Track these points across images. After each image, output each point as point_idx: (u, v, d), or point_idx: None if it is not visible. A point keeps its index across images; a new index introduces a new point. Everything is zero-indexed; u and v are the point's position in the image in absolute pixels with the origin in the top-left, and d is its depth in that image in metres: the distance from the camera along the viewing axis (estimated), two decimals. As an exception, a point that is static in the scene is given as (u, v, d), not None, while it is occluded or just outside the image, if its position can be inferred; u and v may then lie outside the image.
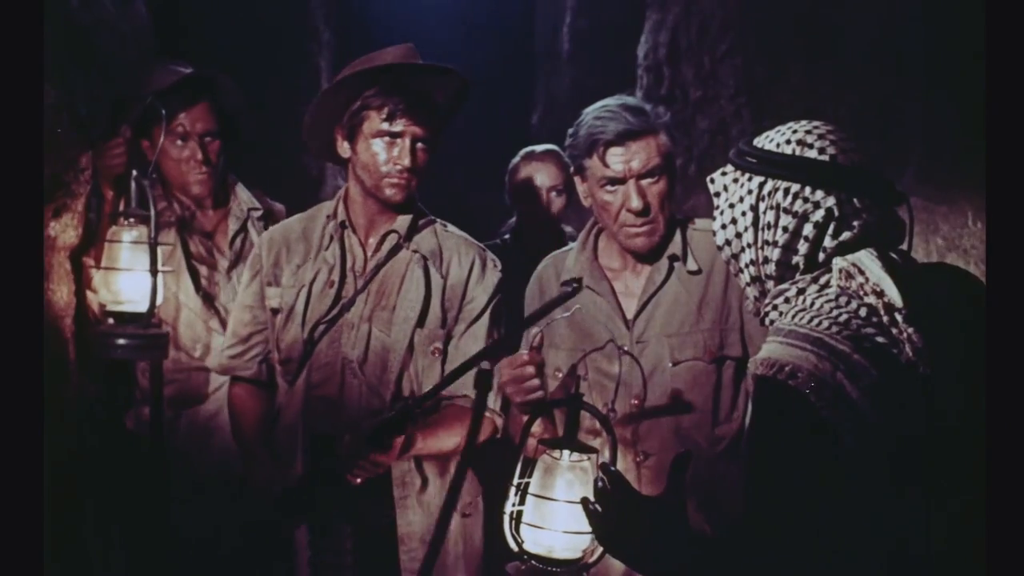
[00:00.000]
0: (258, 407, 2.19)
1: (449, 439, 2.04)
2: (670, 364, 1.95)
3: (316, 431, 2.07)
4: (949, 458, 1.23)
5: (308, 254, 2.14)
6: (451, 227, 2.20)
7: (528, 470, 1.60)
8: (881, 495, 1.21)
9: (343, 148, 2.10)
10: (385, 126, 2.02)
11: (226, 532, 2.35)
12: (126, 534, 2.40)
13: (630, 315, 2.01)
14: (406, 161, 2.02)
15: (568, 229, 3.14)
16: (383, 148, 2.03)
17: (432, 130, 2.06)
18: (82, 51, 2.27)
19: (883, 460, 1.20)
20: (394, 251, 2.11)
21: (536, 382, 1.76)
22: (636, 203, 1.92)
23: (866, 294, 1.27)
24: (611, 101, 1.96)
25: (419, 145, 2.05)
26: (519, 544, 1.58)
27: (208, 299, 2.46)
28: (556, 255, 2.20)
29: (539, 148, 3.11)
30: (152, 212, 2.08)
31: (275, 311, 2.13)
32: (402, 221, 2.13)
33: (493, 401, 2.07)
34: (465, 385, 2.07)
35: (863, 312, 1.25)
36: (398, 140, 2.03)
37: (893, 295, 1.25)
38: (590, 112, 1.97)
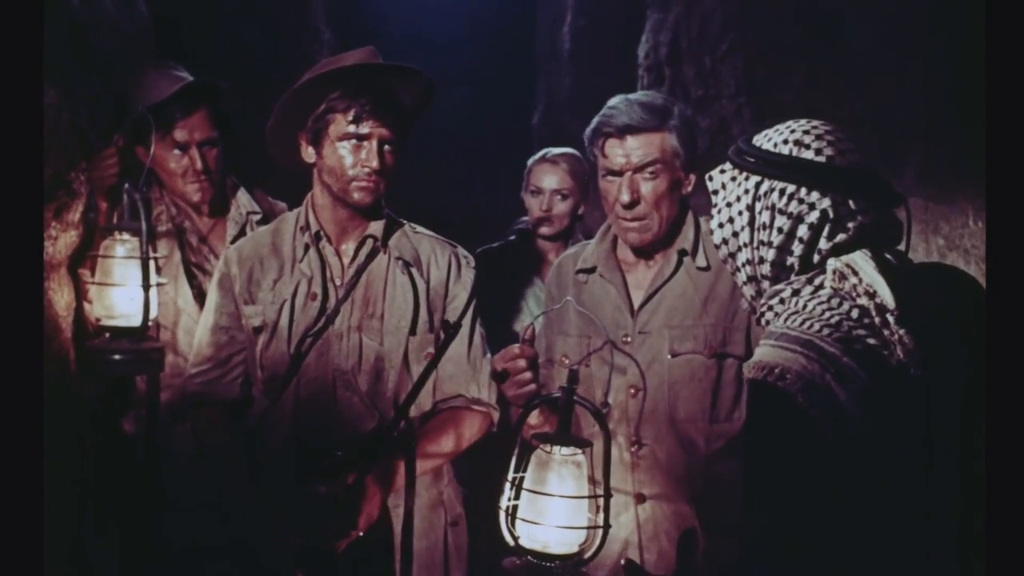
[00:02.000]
0: (230, 430, 2.11)
1: (446, 443, 2.03)
2: (668, 355, 1.98)
3: (308, 446, 2.03)
4: (946, 458, 1.23)
5: (283, 268, 2.09)
6: (420, 228, 2.18)
7: (523, 464, 1.60)
8: (875, 495, 1.21)
9: (308, 153, 2.06)
10: (351, 128, 1.98)
11: (221, 539, 2.33)
12: (125, 537, 2.40)
13: (636, 305, 2.04)
14: (374, 163, 1.99)
15: (579, 237, 3.15)
16: (349, 151, 2.00)
17: (399, 132, 2.03)
18: (82, 51, 2.27)
19: (874, 462, 1.20)
20: (372, 256, 2.08)
21: (528, 375, 1.76)
22: (625, 196, 1.95)
23: (859, 295, 1.27)
24: (634, 95, 1.99)
25: (386, 147, 2.01)
26: (515, 539, 1.58)
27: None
28: (579, 245, 2.25)
29: (556, 150, 3.13)
30: (143, 225, 2.05)
31: (258, 330, 2.08)
32: (376, 225, 2.10)
33: (488, 395, 2.07)
34: (459, 386, 2.08)
35: (855, 314, 1.25)
36: (365, 142, 1.99)
37: (886, 296, 1.25)
38: (610, 103, 2.00)
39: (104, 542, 2.34)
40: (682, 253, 2.03)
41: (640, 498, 2.00)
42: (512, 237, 3.25)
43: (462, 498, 2.18)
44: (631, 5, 4.94)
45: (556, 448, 1.57)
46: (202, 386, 2.14)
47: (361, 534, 1.87)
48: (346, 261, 2.10)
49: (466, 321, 2.10)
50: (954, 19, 2.22)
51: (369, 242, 2.10)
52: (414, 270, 2.09)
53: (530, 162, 3.16)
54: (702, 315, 1.98)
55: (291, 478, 2.01)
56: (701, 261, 2.02)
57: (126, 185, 2.11)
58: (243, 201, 2.57)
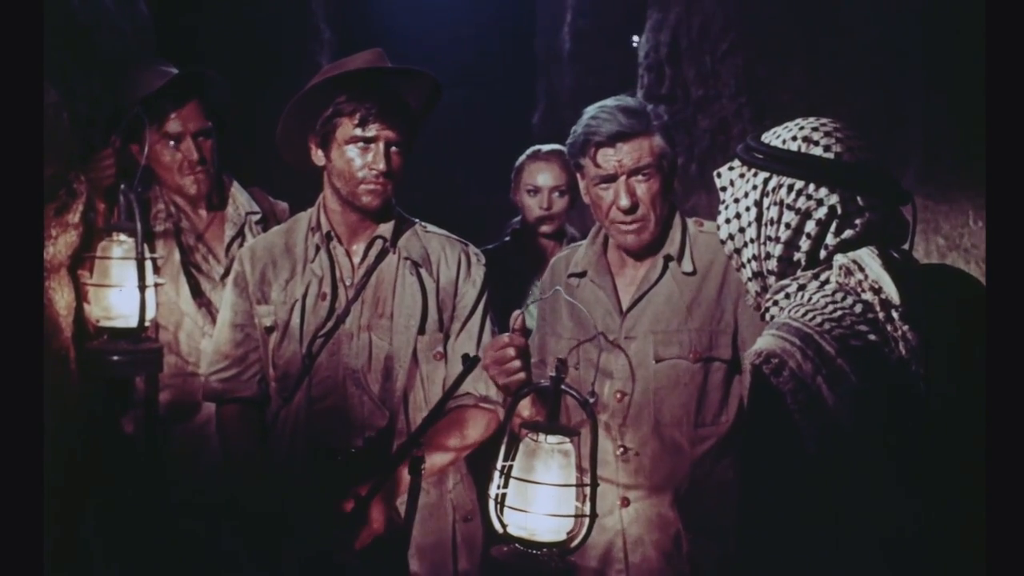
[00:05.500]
0: (253, 427, 2.15)
1: (452, 444, 2.04)
2: (653, 361, 1.99)
3: (320, 445, 2.05)
4: (945, 458, 1.23)
5: (295, 268, 2.11)
6: (431, 227, 2.20)
7: (512, 452, 1.61)
8: (868, 495, 1.21)
9: (317, 156, 2.08)
10: (358, 132, 2.00)
11: (222, 536, 2.34)
12: (125, 537, 2.40)
13: (625, 309, 2.05)
14: (381, 165, 2.00)
15: (571, 230, 3.16)
16: (357, 154, 2.01)
17: (405, 134, 2.04)
18: (82, 51, 2.27)
19: (867, 462, 1.20)
20: (382, 256, 2.10)
21: (517, 363, 1.76)
22: (624, 201, 1.96)
23: (864, 291, 1.27)
24: (610, 102, 2.00)
25: (393, 149, 2.03)
26: (504, 527, 1.59)
27: (204, 305, 2.45)
28: (572, 247, 2.26)
29: (545, 148, 3.12)
30: (138, 226, 2.05)
31: (270, 329, 2.10)
32: (386, 226, 2.11)
33: (496, 393, 2.06)
34: (467, 383, 2.08)
35: (858, 308, 1.26)
36: (372, 145, 2.01)
37: (891, 292, 1.25)
38: (588, 112, 2.01)
39: (104, 542, 2.34)
40: (668, 258, 2.04)
41: (625, 502, 2.01)
42: (507, 238, 3.24)
43: (476, 493, 2.18)
44: (631, 5, 4.94)
45: (544, 437, 1.58)
46: (220, 383, 2.15)
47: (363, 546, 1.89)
48: (356, 261, 2.12)
49: (476, 318, 2.12)
50: (954, 19, 2.22)
51: (378, 243, 2.11)
52: (423, 270, 2.10)
53: (520, 162, 3.15)
54: (687, 320, 2.00)
55: (307, 480, 2.04)
56: (687, 266, 2.03)
57: (122, 186, 2.11)
58: (241, 201, 2.56)
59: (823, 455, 1.19)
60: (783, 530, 1.23)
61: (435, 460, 1.99)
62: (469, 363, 1.70)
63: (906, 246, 1.38)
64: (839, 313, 1.25)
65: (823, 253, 1.35)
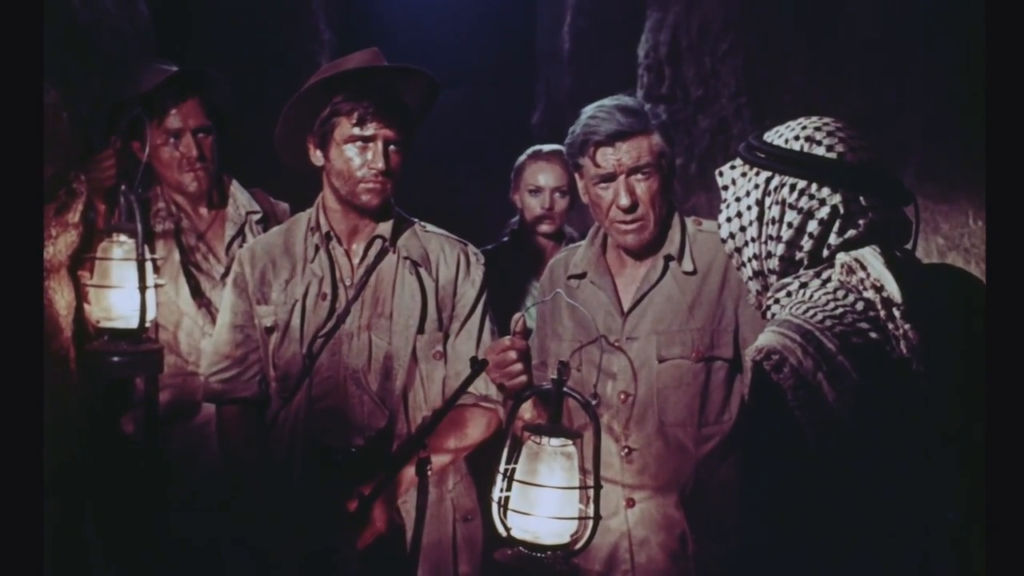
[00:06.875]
0: (253, 427, 2.15)
1: (452, 443, 2.05)
2: (656, 361, 1.99)
3: (320, 444, 2.06)
4: (945, 457, 1.23)
5: (295, 268, 2.12)
6: (430, 226, 2.20)
7: (514, 455, 1.60)
8: (869, 493, 1.21)
9: (316, 156, 2.09)
10: (356, 131, 2.01)
11: (222, 537, 2.34)
12: (124, 537, 2.40)
13: (626, 310, 2.05)
14: (380, 164, 2.01)
15: (569, 230, 3.16)
16: (356, 153, 2.02)
17: (404, 132, 2.05)
18: (82, 51, 2.27)
19: (868, 460, 1.20)
20: (381, 256, 2.11)
21: (519, 367, 1.77)
22: (624, 200, 1.96)
23: (865, 289, 1.27)
24: (608, 101, 2.01)
25: (392, 148, 2.03)
26: (508, 530, 1.59)
27: (204, 304, 2.45)
28: (570, 248, 2.26)
29: (546, 148, 3.12)
30: (139, 227, 2.05)
31: (270, 329, 2.11)
32: (385, 226, 2.12)
33: (496, 392, 2.06)
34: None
35: (860, 306, 1.26)
36: (370, 144, 2.01)
37: (892, 290, 1.25)
38: (587, 112, 2.01)
39: (104, 542, 2.34)
40: (668, 258, 2.04)
41: (630, 503, 2.01)
42: (505, 239, 3.24)
43: (475, 491, 2.18)
44: (631, 5, 4.94)
45: (546, 439, 1.58)
46: (220, 384, 2.15)
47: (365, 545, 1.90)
48: (356, 261, 2.12)
49: (475, 318, 2.12)
50: (954, 19, 2.22)
51: (378, 242, 2.12)
52: (422, 269, 2.11)
53: (520, 162, 3.15)
54: (689, 319, 2.00)
55: (307, 480, 2.04)
56: (687, 266, 2.03)
57: (123, 187, 2.11)
58: (242, 200, 2.56)
59: (823, 451, 1.19)
60: (784, 526, 1.23)
61: (436, 460, 1.99)
62: (476, 367, 1.71)
63: (909, 245, 1.38)
64: (840, 310, 1.26)
65: (825, 252, 1.35)
